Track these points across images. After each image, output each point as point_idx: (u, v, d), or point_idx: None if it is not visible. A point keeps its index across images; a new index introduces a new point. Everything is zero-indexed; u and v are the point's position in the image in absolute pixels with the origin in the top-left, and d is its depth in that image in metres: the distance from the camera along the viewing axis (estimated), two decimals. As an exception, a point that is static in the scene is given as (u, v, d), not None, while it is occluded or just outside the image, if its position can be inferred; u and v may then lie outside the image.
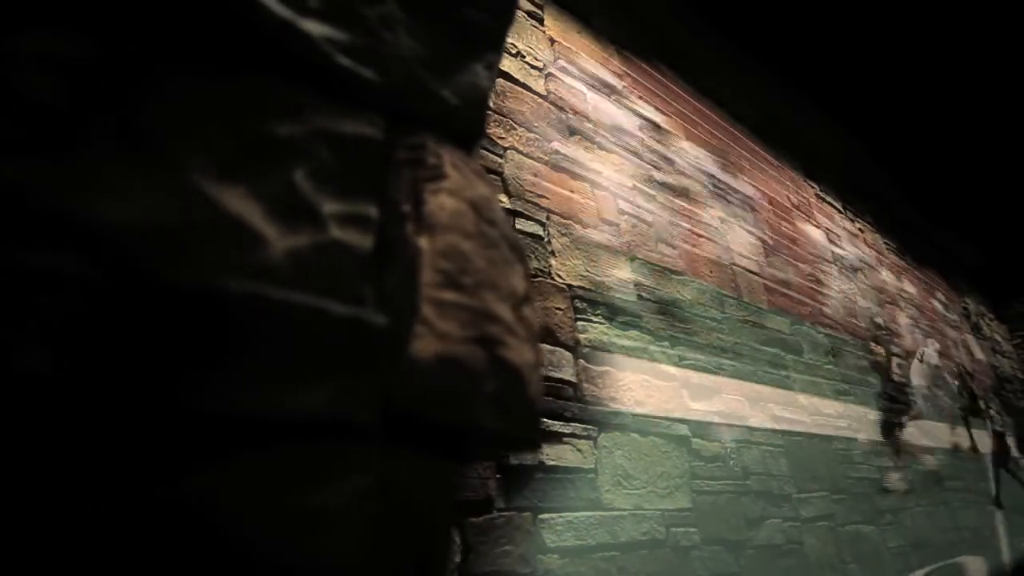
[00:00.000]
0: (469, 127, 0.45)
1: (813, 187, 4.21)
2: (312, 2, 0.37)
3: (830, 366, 3.04)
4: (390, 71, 0.41)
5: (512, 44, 2.27)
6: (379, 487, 0.27)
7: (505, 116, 2.04)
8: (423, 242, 0.31)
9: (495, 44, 0.51)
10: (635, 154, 2.58)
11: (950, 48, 4.15)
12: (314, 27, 0.37)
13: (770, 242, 3.25)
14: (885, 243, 4.81)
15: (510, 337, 0.32)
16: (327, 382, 0.26)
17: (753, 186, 3.46)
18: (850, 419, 2.93)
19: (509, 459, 1.42)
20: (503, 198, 1.83)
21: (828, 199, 4.27)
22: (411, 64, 0.43)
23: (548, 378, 1.63)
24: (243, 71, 0.34)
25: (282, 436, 0.25)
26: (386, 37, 0.41)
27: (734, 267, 2.79)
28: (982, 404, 4.35)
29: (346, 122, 0.37)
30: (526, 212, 1.87)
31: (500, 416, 0.30)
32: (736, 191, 3.25)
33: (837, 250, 3.97)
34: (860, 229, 4.46)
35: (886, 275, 4.50)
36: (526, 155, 2.03)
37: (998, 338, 5.58)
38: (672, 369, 2.03)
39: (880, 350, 3.62)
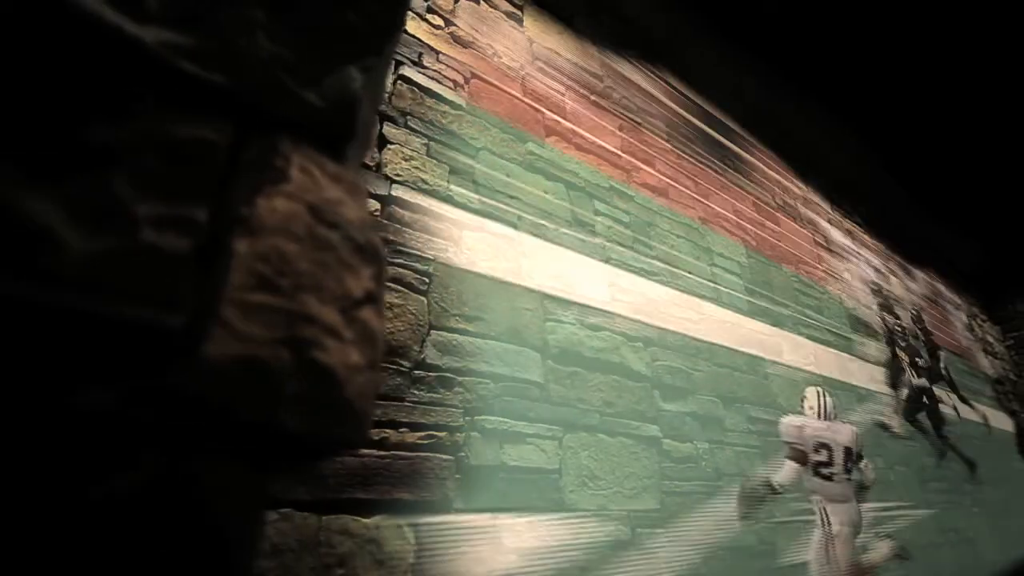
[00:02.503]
0: (336, 129, 0.46)
1: (802, 187, 4.20)
2: (151, 7, 0.37)
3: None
4: (244, 75, 0.41)
5: (489, 45, 2.27)
6: (156, 487, 0.27)
7: (479, 116, 2.04)
8: (240, 245, 0.31)
9: (376, 47, 0.51)
10: (614, 154, 2.58)
11: (947, 45, 4.14)
12: (149, 32, 0.37)
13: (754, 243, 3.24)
14: (876, 244, 4.80)
15: (329, 339, 0.33)
16: (107, 383, 0.26)
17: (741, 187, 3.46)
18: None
19: (469, 460, 1.42)
20: (473, 196, 1.83)
21: (816, 200, 4.27)
22: (270, 67, 0.43)
23: (514, 379, 1.63)
24: (64, 76, 0.34)
25: (57, 435, 0.25)
26: (241, 41, 0.42)
27: (715, 266, 2.79)
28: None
29: (182, 126, 0.37)
30: (496, 213, 1.87)
31: (306, 418, 0.31)
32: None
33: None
34: (849, 230, 4.45)
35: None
36: (499, 155, 2.03)
37: (990, 339, 5.56)
38: (645, 370, 2.03)
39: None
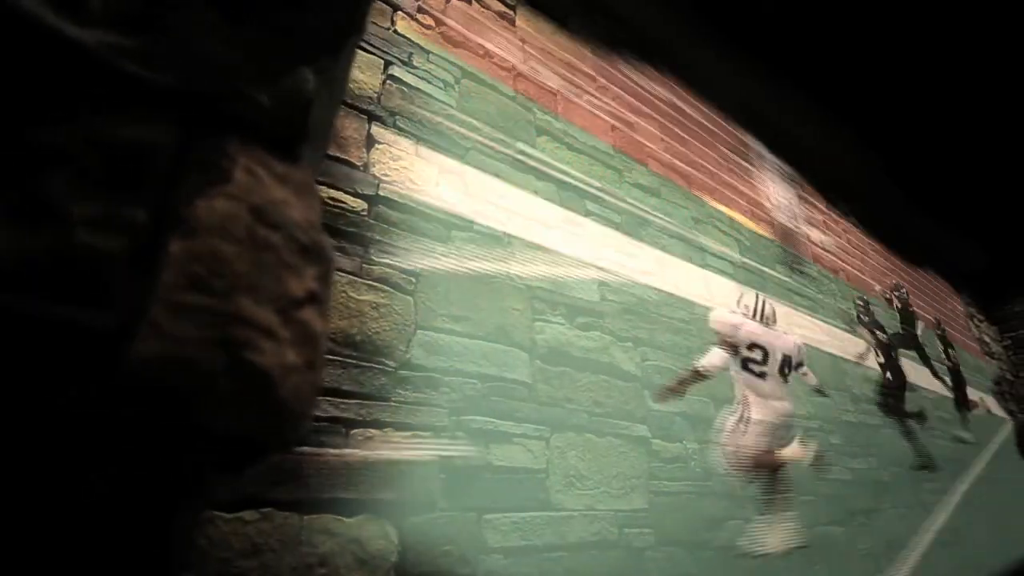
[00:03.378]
0: (286, 130, 0.46)
1: (796, 187, 4.20)
2: (95, 9, 0.37)
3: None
4: (193, 76, 0.41)
5: (480, 45, 2.27)
6: (89, 485, 0.27)
7: (469, 116, 2.04)
8: (175, 245, 0.31)
9: (332, 49, 0.51)
10: (607, 155, 2.58)
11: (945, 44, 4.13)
12: (91, 34, 0.37)
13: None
14: (871, 245, 4.79)
15: (264, 339, 0.33)
16: (37, 382, 0.26)
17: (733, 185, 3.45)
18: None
19: (454, 460, 1.43)
20: (463, 196, 1.83)
21: (811, 200, 4.26)
22: (220, 69, 0.43)
23: (501, 379, 1.63)
24: (4, 78, 0.34)
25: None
26: (191, 42, 0.42)
27: (707, 266, 2.79)
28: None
29: (126, 127, 0.38)
30: (485, 213, 1.87)
31: (239, 418, 0.31)
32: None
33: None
34: (844, 230, 4.44)
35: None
36: (489, 155, 2.03)
37: (987, 339, 5.55)
38: (634, 370, 2.03)
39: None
